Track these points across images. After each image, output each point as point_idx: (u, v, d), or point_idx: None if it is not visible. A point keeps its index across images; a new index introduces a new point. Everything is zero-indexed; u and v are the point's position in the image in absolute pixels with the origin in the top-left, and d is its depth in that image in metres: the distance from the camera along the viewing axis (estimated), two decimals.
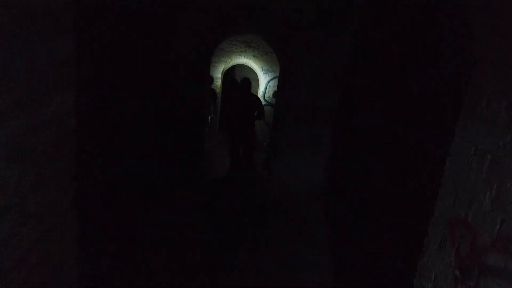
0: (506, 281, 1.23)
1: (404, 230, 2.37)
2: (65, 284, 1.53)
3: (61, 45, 1.29)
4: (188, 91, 5.43)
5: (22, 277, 1.20)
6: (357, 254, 3.29)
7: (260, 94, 10.19)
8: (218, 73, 9.75)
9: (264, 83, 10.02)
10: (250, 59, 9.71)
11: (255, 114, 6.27)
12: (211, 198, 5.61)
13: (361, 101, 4.09)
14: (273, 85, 9.88)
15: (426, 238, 1.66)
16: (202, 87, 5.67)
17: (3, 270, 1.10)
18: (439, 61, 2.18)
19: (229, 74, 11.13)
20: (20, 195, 1.15)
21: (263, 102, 10.13)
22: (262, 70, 9.87)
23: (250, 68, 10.59)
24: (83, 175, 1.75)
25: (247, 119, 6.30)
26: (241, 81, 6.43)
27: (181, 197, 5.34)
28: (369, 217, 3.14)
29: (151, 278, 3.44)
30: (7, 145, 1.06)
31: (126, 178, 3.28)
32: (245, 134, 6.41)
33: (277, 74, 9.55)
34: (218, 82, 9.84)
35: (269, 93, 10.11)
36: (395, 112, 2.87)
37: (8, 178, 1.08)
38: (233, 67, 11.11)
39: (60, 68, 1.28)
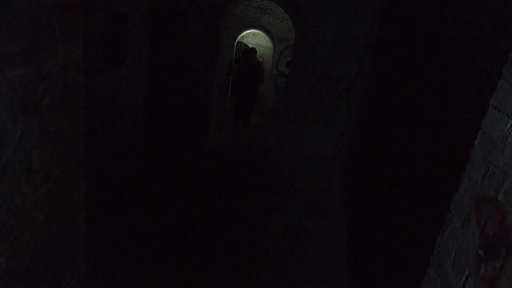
0: None
1: (424, 207, 2.30)
2: (72, 244, 1.50)
3: None
4: (197, 56, 5.28)
5: (26, 235, 1.16)
6: (373, 231, 3.25)
7: (273, 63, 9.95)
8: (231, 40, 9.49)
9: (278, 52, 9.74)
10: (264, 26, 9.40)
11: (257, 79, 7.46)
12: (220, 167, 5.58)
13: (387, 71, 3.90)
14: (287, 54, 9.61)
15: (448, 215, 1.58)
16: (213, 53, 5.51)
17: (7, 226, 1.05)
18: (478, 26, 2.02)
19: (242, 41, 10.85)
20: (24, 149, 1.08)
21: (276, 72, 9.91)
22: (277, 38, 9.56)
23: (264, 35, 10.29)
24: (93, 133, 1.68)
25: (249, 83, 7.46)
26: (248, 50, 7.64)
27: (190, 164, 5.31)
28: (386, 192, 3.07)
29: (160, 239, 3.45)
30: (9, 95, 0.98)
31: (136, 140, 3.24)
32: (247, 95, 7.59)
33: (292, 43, 9.27)
34: (230, 50, 9.60)
35: (283, 63, 9.85)
36: (424, 83, 2.72)
37: (10, 131, 1.01)
38: (247, 35, 10.82)
39: (65, 14, 1.17)
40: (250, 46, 10.67)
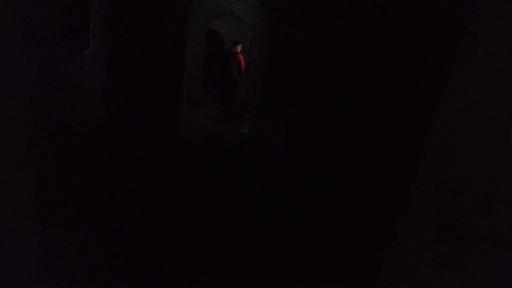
0: (489, 245, 1.17)
1: (383, 193, 2.32)
2: (22, 248, 1.41)
3: None
4: (165, 44, 5.12)
5: None
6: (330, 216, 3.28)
7: (245, 51, 9.83)
8: (201, 27, 9.30)
9: (250, 40, 9.63)
10: (235, 12, 9.25)
11: (234, 68, 8.21)
12: (192, 156, 5.51)
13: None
14: (259, 42, 9.51)
15: (407, 199, 1.59)
16: (182, 41, 5.36)
17: None
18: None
19: (214, 29, 10.65)
20: None
21: (248, 60, 9.80)
22: (248, 25, 9.43)
23: (236, 23, 10.13)
24: (39, 123, 1.58)
25: (227, 71, 8.19)
26: (233, 42, 8.37)
27: (161, 154, 5.21)
28: (342, 180, 3.08)
29: (125, 241, 3.37)
30: None
31: (96, 130, 3.11)
32: (226, 83, 8.35)
33: (263, 30, 9.16)
34: (201, 38, 9.41)
35: (255, 50, 9.75)
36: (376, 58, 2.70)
37: None
38: (219, 22, 10.62)
39: None
40: (220, 33, 10.56)
